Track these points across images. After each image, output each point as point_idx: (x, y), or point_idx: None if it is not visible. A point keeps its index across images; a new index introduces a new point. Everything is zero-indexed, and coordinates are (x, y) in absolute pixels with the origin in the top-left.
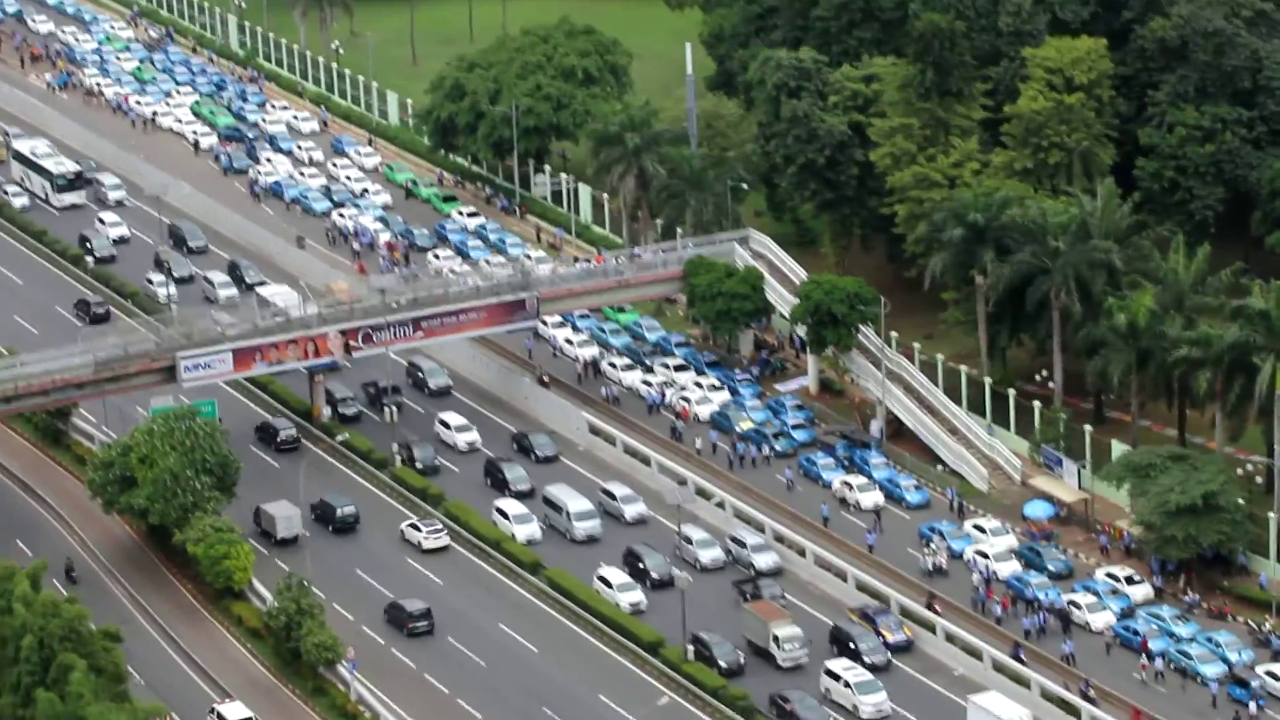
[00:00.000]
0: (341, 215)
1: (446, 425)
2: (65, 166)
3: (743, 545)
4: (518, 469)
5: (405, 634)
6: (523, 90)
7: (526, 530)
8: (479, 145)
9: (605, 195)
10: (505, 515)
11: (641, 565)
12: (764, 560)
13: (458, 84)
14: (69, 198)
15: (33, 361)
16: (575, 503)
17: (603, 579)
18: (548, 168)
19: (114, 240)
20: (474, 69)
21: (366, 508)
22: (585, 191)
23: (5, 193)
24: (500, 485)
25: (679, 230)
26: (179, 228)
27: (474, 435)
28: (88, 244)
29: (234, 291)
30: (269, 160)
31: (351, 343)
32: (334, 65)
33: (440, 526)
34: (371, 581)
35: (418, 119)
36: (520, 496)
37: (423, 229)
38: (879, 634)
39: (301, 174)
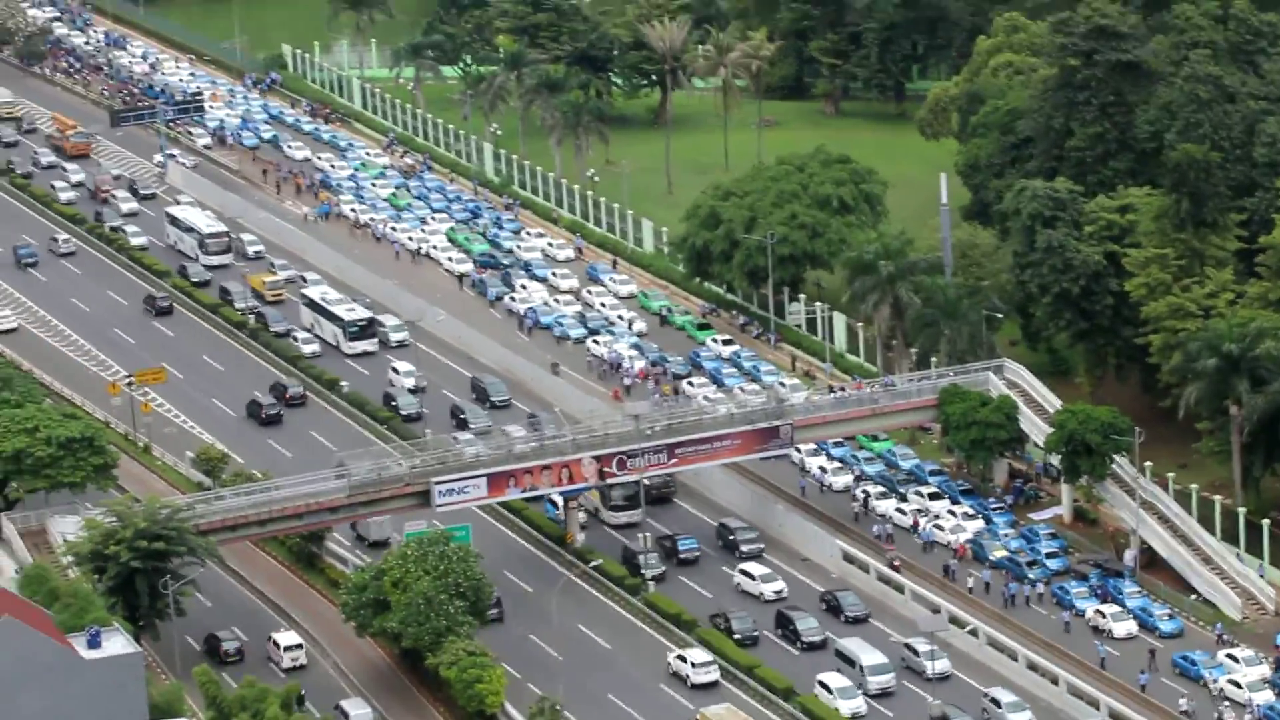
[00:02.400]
0: (596, 342)
1: (750, 576)
2: (357, 313)
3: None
4: (810, 620)
5: None
6: (778, 218)
7: (852, 705)
8: (734, 273)
9: (860, 324)
10: (829, 689)
11: None
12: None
13: (713, 212)
14: (360, 345)
15: (287, 485)
16: (869, 656)
17: None
18: (803, 296)
19: (411, 390)
20: (729, 197)
21: (620, 635)
22: (840, 320)
23: (295, 339)
24: (792, 637)
25: (933, 359)
26: (481, 381)
27: (780, 585)
28: (393, 401)
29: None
30: (524, 287)
31: (606, 469)
32: (589, 193)
33: (712, 660)
34: (627, 708)
35: (673, 246)
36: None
37: (677, 356)
38: None
39: (557, 301)
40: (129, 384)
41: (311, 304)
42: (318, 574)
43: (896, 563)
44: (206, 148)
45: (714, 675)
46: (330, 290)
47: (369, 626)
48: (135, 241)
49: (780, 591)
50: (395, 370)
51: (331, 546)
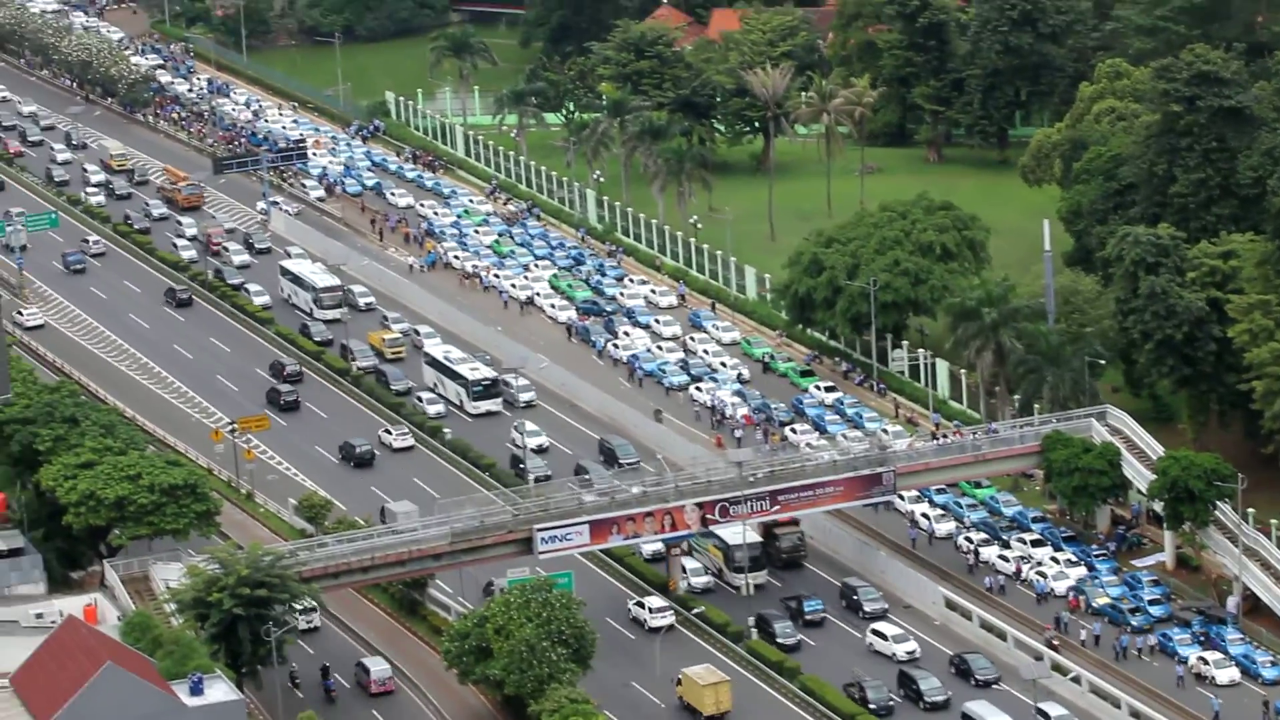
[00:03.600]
0: (699, 389)
1: (882, 637)
2: (481, 373)
3: None
4: (932, 680)
5: None
6: (881, 265)
7: None
8: (837, 320)
9: (963, 370)
10: None
11: None
12: None
13: (816, 259)
14: (484, 405)
15: (389, 532)
16: None
17: None
18: (905, 342)
19: (535, 449)
20: (832, 244)
21: None
22: (942, 366)
23: (419, 399)
24: (914, 697)
25: (1036, 405)
26: (609, 442)
27: (912, 645)
28: (521, 465)
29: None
30: (626, 334)
31: (708, 516)
32: (692, 239)
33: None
34: None
35: (775, 293)
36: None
37: (780, 403)
38: None
39: (659, 348)
40: (232, 431)
41: (434, 363)
42: (420, 621)
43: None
44: (320, 200)
45: (670, 619)
46: (453, 349)
47: (471, 673)
48: (258, 301)
49: (913, 652)
50: (518, 430)
51: (434, 594)
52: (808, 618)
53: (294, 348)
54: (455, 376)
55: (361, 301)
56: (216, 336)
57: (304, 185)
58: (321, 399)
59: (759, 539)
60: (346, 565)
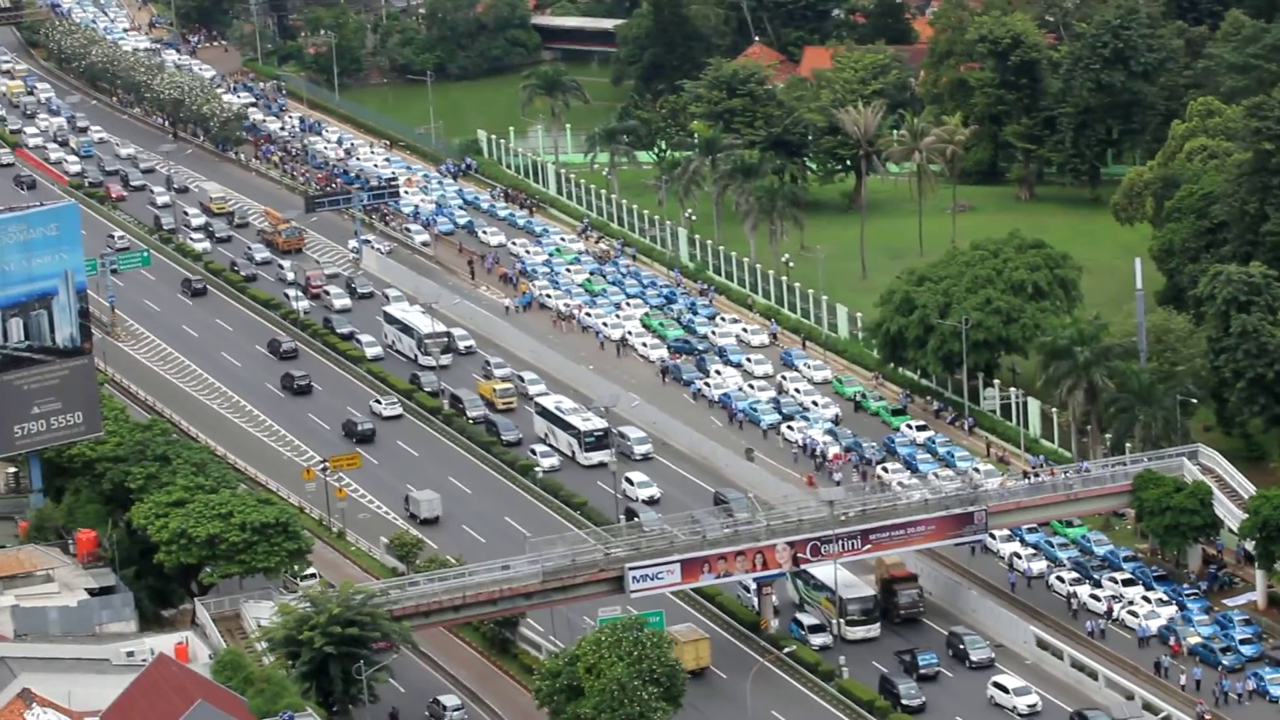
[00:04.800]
0: (790, 428)
1: (1003, 690)
2: (593, 423)
3: None
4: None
5: None
6: (972, 304)
7: None
8: (928, 359)
9: (1054, 409)
10: None
11: None
12: None
13: (907, 297)
14: (597, 456)
15: (481, 571)
16: None
17: None
18: (997, 381)
19: (647, 501)
20: (924, 282)
21: None
22: (1034, 405)
23: (533, 452)
24: None
25: (1128, 444)
26: (724, 495)
27: (1034, 699)
28: (635, 517)
29: None
30: (718, 372)
31: (800, 555)
32: (784, 278)
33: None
34: None
35: (867, 332)
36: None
37: (871, 442)
38: None
39: (751, 387)
40: (324, 470)
41: (545, 413)
42: (511, 660)
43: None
44: (425, 244)
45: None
46: (565, 399)
47: (562, 713)
48: (370, 352)
49: (1034, 705)
50: (630, 481)
51: (525, 632)
52: (922, 671)
53: (402, 395)
54: (567, 427)
55: (461, 345)
56: (312, 376)
57: (408, 230)
58: (419, 440)
59: (874, 592)
60: (438, 604)
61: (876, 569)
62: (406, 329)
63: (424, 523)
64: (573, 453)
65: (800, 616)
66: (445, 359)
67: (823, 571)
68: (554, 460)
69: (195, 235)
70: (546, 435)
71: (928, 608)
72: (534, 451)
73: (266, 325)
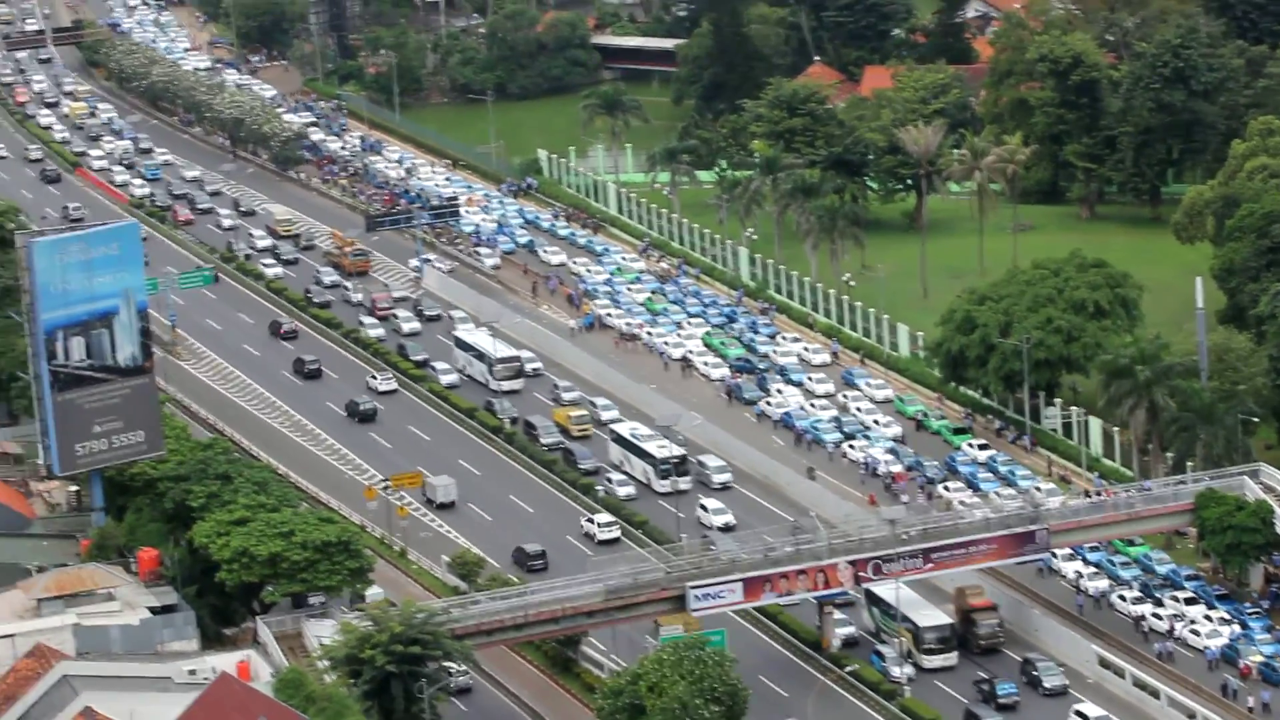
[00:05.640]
0: (852, 447)
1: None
2: (669, 450)
3: None
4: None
5: None
6: (1033, 323)
7: None
8: (990, 378)
9: (1115, 428)
10: None
11: None
12: None
13: (968, 316)
14: (678, 483)
15: (543, 589)
16: None
17: None
18: (1058, 400)
19: (722, 528)
20: (985, 302)
21: None
22: (1095, 424)
23: (610, 480)
24: None
25: (1189, 463)
26: (801, 525)
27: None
28: (711, 546)
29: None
30: (779, 392)
31: (861, 574)
32: (845, 297)
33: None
34: None
35: (928, 351)
36: None
37: (933, 461)
38: None
39: (812, 406)
40: (385, 488)
41: (620, 440)
42: (573, 678)
43: None
44: (495, 268)
45: (617, 533)
46: (640, 426)
47: None
48: (445, 380)
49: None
50: (704, 508)
51: (587, 651)
52: (1000, 701)
53: (476, 423)
54: (643, 454)
55: (529, 367)
56: (374, 397)
57: (477, 254)
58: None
59: (952, 621)
60: (499, 622)
61: (956, 599)
62: (479, 354)
63: (440, 507)
64: (648, 480)
65: (881, 649)
66: (516, 384)
67: (900, 599)
68: (630, 489)
69: (266, 261)
70: (621, 462)
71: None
72: (610, 480)
73: (334, 348)
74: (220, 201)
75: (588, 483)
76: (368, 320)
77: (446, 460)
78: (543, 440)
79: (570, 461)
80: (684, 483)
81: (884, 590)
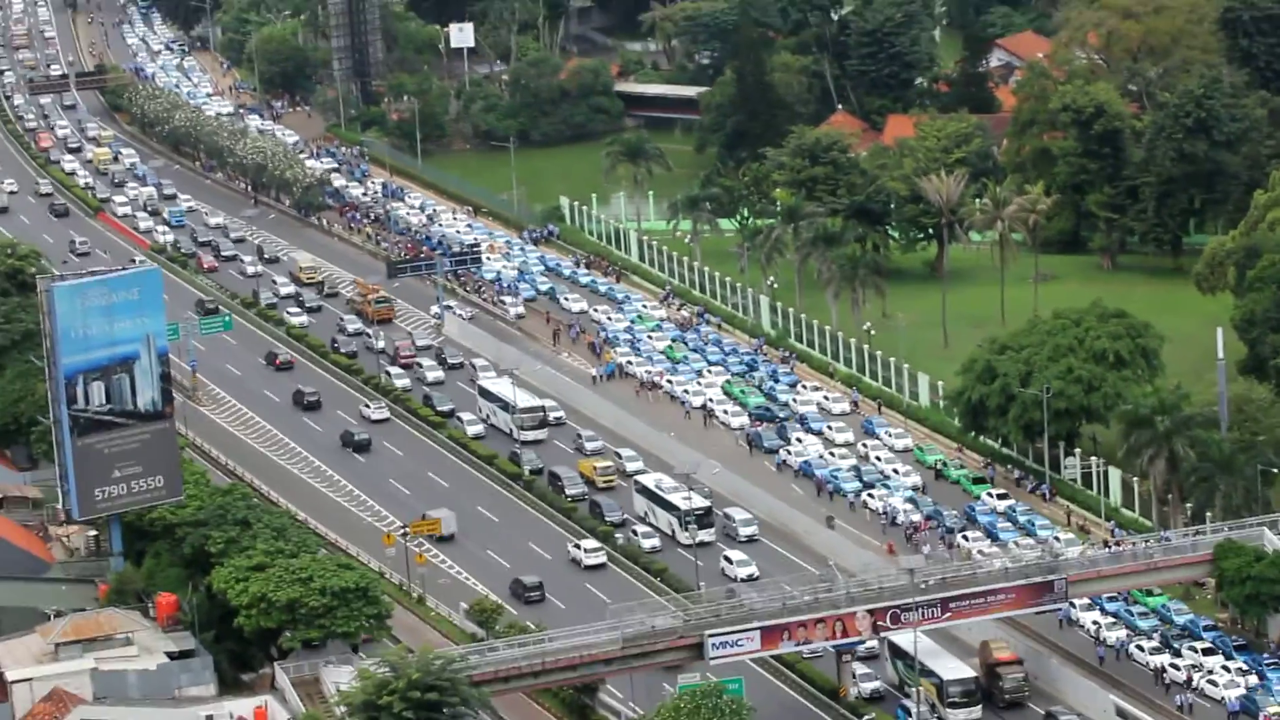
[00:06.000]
0: (871, 495)
1: None
2: (694, 502)
3: None
4: None
5: None
6: (1054, 372)
7: None
8: (1010, 427)
9: (1135, 478)
10: None
11: None
12: None
13: (989, 366)
14: (699, 535)
15: (560, 637)
16: None
17: None
18: (1078, 450)
19: (746, 579)
20: (1005, 351)
21: None
22: (1115, 474)
23: (634, 533)
24: None
25: (1208, 514)
26: (825, 576)
27: None
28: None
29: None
30: (799, 440)
31: (880, 623)
32: (865, 346)
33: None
34: None
35: (948, 401)
36: None
37: (952, 510)
38: None
39: (832, 454)
40: (404, 535)
41: (645, 491)
42: None
43: None
44: (520, 317)
45: (603, 559)
46: (665, 477)
47: None
48: (471, 431)
49: None
50: (728, 560)
51: (605, 698)
52: None
53: (499, 472)
54: (668, 506)
55: (552, 416)
56: (391, 441)
57: (502, 301)
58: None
59: (976, 674)
60: (517, 669)
61: (980, 652)
62: (503, 404)
63: (441, 540)
64: (673, 531)
65: (907, 703)
66: (540, 433)
67: (923, 652)
68: (655, 541)
69: (291, 309)
70: (646, 514)
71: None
72: (635, 532)
73: (348, 390)
74: (244, 248)
75: (607, 530)
76: (394, 370)
77: (466, 505)
78: (568, 491)
79: (597, 514)
80: (708, 534)
81: (906, 642)
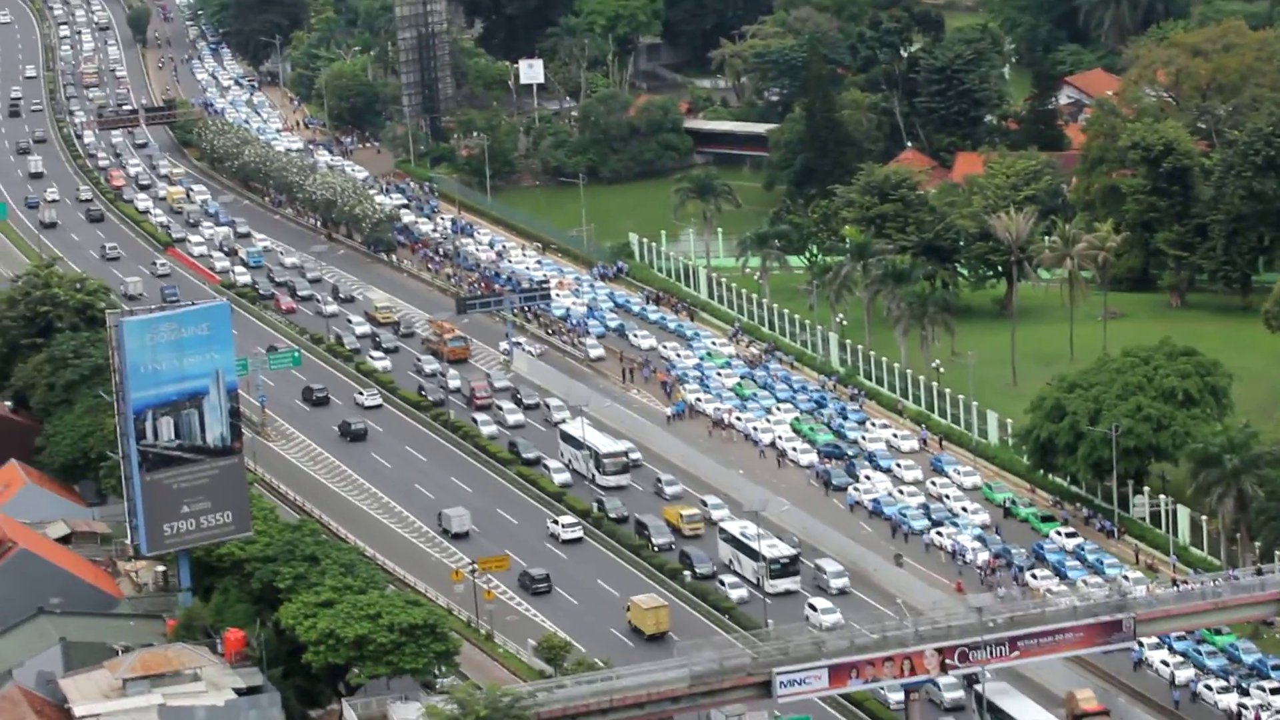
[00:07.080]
0: (940, 533)
1: None
2: (779, 550)
3: None
4: None
5: None
6: (1123, 411)
7: None
8: (1078, 465)
9: (1204, 517)
10: None
11: None
12: None
13: (1058, 404)
14: (783, 583)
15: (628, 675)
16: None
17: None
18: (1147, 489)
19: (830, 627)
20: (1074, 389)
21: None
22: (1184, 513)
23: (722, 583)
24: None
25: (1277, 552)
26: (900, 611)
27: None
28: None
29: None
30: (868, 477)
31: (948, 660)
32: (934, 384)
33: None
34: None
35: (1017, 438)
36: None
37: (1020, 549)
38: None
39: (900, 492)
40: (472, 572)
41: (730, 539)
42: None
43: None
44: (599, 359)
45: (580, 533)
46: (750, 525)
47: None
48: (559, 480)
49: None
50: (813, 608)
51: None
52: None
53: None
54: (752, 554)
55: (630, 457)
56: (458, 476)
57: (582, 342)
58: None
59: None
60: (585, 707)
61: (1068, 703)
62: (582, 447)
63: (455, 537)
64: (758, 580)
65: None
66: (623, 479)
67: (1009, 704)
68: (743, 592)
69: (375, 354)
70: (731, 562)
71: None
72: (723, 583)
73: (421, 430)
74: (319, 288)
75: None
76: (480, 417)
77: (536, 547)
78: (655, 541)
79: (688, 565)
80: (792, 583)
81: (992, 692)
